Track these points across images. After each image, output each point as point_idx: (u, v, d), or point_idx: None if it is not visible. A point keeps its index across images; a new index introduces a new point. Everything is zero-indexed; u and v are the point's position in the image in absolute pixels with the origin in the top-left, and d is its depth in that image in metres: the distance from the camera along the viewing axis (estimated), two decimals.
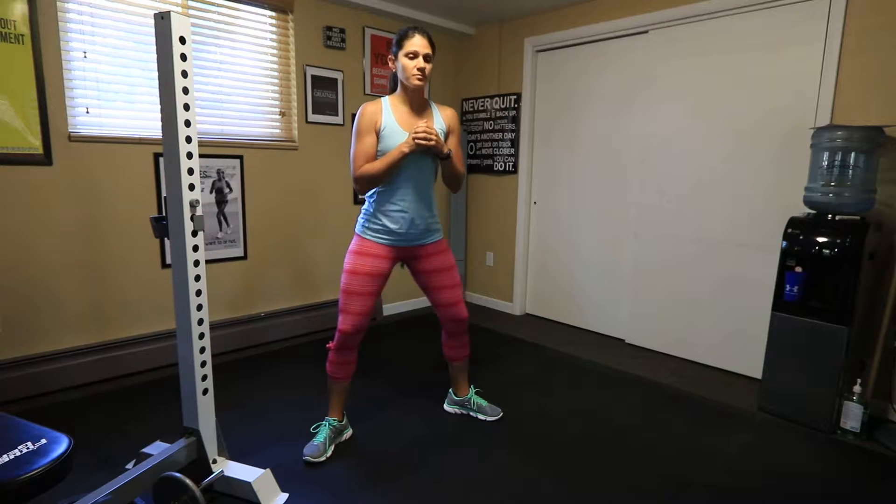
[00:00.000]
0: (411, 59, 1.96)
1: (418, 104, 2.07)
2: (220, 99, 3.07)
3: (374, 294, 2.09)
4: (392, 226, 2.08)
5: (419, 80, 1.98)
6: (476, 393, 2.50)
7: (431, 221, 2.17)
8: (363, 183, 1.98)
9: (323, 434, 2.11)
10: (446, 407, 2.52)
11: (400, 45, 1.98)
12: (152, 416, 2.38)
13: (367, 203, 2.12)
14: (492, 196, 4.24)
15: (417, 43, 1.96)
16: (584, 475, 2.00)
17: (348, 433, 2.25)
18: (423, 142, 1.89)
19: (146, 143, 2.80)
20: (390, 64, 2.06)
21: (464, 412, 2.48)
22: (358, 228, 2.14)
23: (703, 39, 2.99)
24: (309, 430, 2.27)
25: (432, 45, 2.00)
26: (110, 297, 2.78)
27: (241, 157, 3.15)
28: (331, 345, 2.12)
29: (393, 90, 2.13)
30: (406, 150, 1.92)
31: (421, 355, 3.22)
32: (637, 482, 1.97)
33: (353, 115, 3.67)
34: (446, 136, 2.12)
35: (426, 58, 1.98)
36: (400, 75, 2.02)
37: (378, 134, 2.00)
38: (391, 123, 2.00)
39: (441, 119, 2.12)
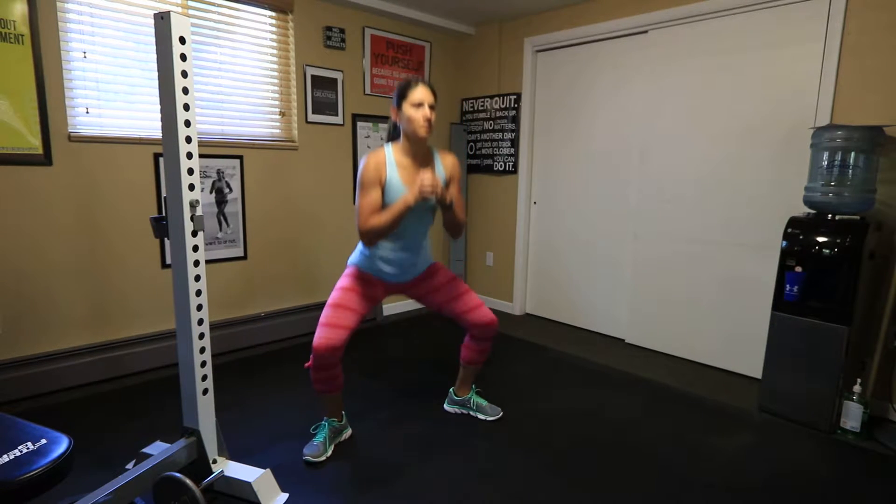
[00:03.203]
0: (418, 108, 1.98)
1: (422, 154, 2.10)
2: (220, 99, 3.07)
3: (360, 313, 2.09)
4: (387, 268, 2.15)
5: (426, 130, 2.00)
6: (476, 392, 2.50)
7: (425, 261, 2.24)
8: (371, 236, 1.99)
9: (322, 434, 2.12)
10: (446, 406, 2.52)
11: (403, 96, 2.00)
12: (152, 416, 2.38)
13: (362, 245, 2.14)
14: (492, 196, 4.24)
15: (422, 93, 1.98)
16: (583, 475, 2.00)
17: (347, 433, 2.25)
18: (430, 194, 1.91)
19: (146, 143, 2.80)
20: (393, 115, 2.07)
21: (464, 412, 2.48)
22: (352, 261, 2.19)
23: (703, 39, 2.99)
24: (309, 430, 2.28)
25: (435, 94, 2.03)
26: (110, 297, 2.78)
27: (241, 157, 3.15)
28: (309, 364, 2.06)
29: (392, 138, 2.15)
30: (411, 201, 1.93)
31: (420, 355, 3.22)
32: (637, 482, 1.97)
33: (353, 115, 3.67)
34: (447, 184, 2.16)
35: (431, 107, 2.00)
36: (404, 127, 2.03)
37: (382, 187, 2.03)
38: (395, 178, 2.03)
39: (442, 168, 2.16)
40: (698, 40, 3.01)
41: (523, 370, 3.02)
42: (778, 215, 2.78)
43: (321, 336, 1.98)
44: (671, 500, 1.87)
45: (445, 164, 2.16)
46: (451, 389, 2.52)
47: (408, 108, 1.98)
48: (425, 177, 1.89)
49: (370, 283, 2.16)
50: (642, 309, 3.42)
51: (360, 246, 2.19)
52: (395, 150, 2.07)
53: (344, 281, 2.14)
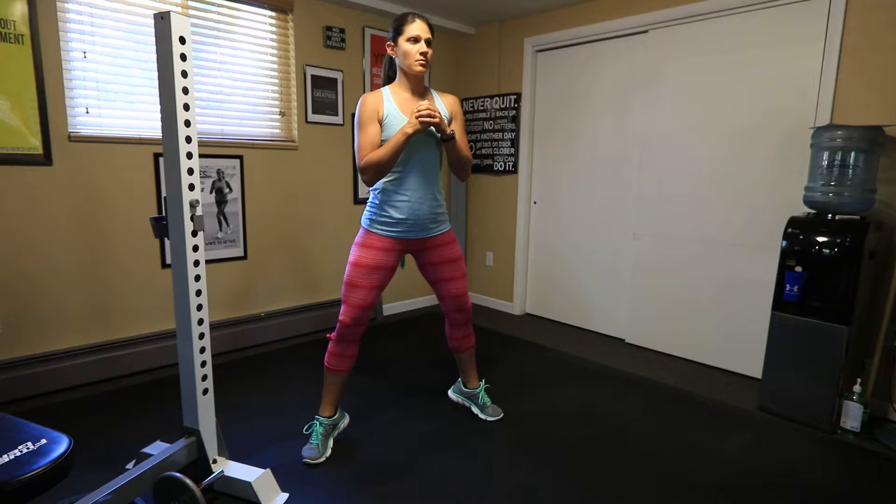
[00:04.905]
0: (413, 43, 1.93)
1: (419, 91, 2.05)
2: (220, 99, 3.07)
3: (377, 287, 2.07)
4: (399, 216, 2.04)
5: (422, 65, 1.95)
6: (485, 389, 2.48)
7: (439, 211, 2.14)
8: (370, 172, 1.91)
9: (316, 435, 2.10)
10: (450, 394, 2.51)
11: (400, 31, 1.94)
12: (152, 416, 2.38)
13: (372, 195, 2.08)
14: (492, 196, 4.24)
15: (419, 28, 1.93)
16: (583, 475, 2.00)
17: (345, 422, 2.22)
18: (428, 119, 1.84)
19: (146, 143, 2.80)
20: (389, 50, 2.02)
21: (466, 404, 2.47)
22: (364, 221, 2.11)
23: (703, 39, 2.99)
24: None
25: (432, 30, 1.98)
26: (110, 297, 2.78)
27: (241, 157, 3.15)
28: (331, 335, 2.12)
29: (387, 81, 2.10)
30: (410, 130, 1.86)
31: (421, 355, 3.22)
32: (637, 482, 1.97)
33: (353, 115, 3.67)
34: (449, 121, 2.10)
35: (427, 42, 1.95)
36: (400, 62, 1.98)
37: (381, 123, 1.97)
38: (393, 111, 1.97)
39: (443, 105, 2.10)
40: (698, 40, 3.01)
41: (523, 370, 3.02)
42: (778, 215, 2.78)
43: (345, 312, 2.05)
44: (671, 499, 1.87)
45: (446, 102, 2.11)
46: (459, 379, 2.50)
47: (403, 43, 1.94)
48: (422, 103, 1.85)
49: (380, 251, 2.06)
50: (642, 309, 3.42)
51: (370, 197, 2.10)
52: (393, 88, 2.03)
53: (354, 254, 2.07)
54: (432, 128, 1.92)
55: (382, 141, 1.97)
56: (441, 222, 2.16)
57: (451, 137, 1.98)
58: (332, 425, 2.15)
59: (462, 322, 2.33)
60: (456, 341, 2.38)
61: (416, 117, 1.84)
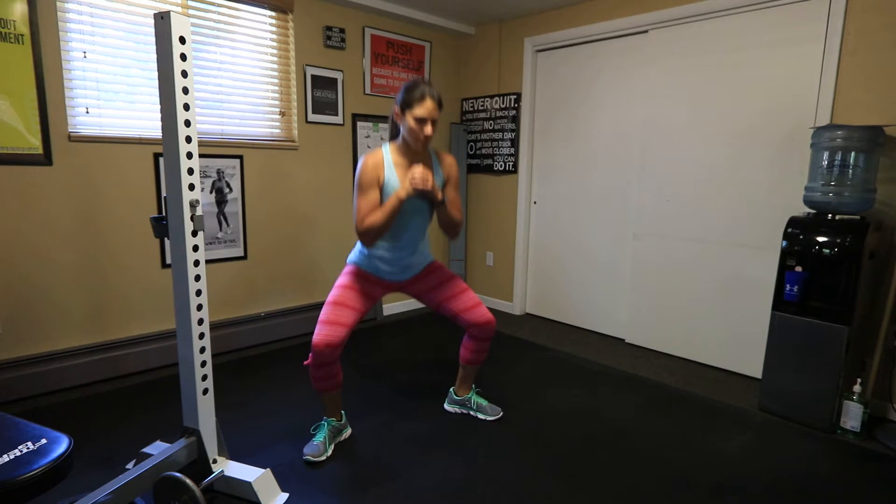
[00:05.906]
0: (419, 123, 1.98)
1: (421, 157, 2.11)
2: (220, 99, 3.07)
3: (359, 311, 2.11)
4: (385, 267, 2.16)
5: (423, 146, 2.03)
6: (476, 392, 2.50)
7: (422, 260, 2.24)
8: (369, 236, 1.99)
9: (322, 434, 2.12)
10: (446, 406, 2.52)
11: (409, 105, 1.98)
12: (152, 416, 2.38)
13: (360, 244, 2.16)
14: (492, 196, 4.24)
15: (428, 108, 1.96)
16: (583, 475, 2.00)
17: (347, 432, 2.25)
18: (420, 186, 1.91)
19: (146, 143, 2.80)
20: (395, 115, 2.07)
21: (464, 411, 2.48)
22: (350, 260, 2.21)
23: (703, 39, 2.99)
24: (309, 430, 2.28)
25: (440, 104, 2.02)
26: (110, 297, 2.78)
27: (241, 157, 3.15)
28: (308, 362, 2.07)
29: (393, 135, 2.16)
30: (403, 195, 1.94)
31: (420, 355, 3.22)
32: (637, 482, 1.97)
33: (353, 115, 3.67)
34: (444, 184, 2.16)
35: (433, 122, 2.00)
36: (405, 132, 2.03)
37: (380, 189, 2.03)
38: (393, 179, 2.03)
39: (440, 167, 2.16)
40: (698, 40, 3.01)
41: (523, 370, 3.02)
42: (778, 215, 2.78)
43: (320, 333, 1.99)
44: (671, 500, 1.87)
45: (444, 164, 2.17)
46: (451, 389, 2.52)
47: (410, 119, 1.99)
48: (416, 170, 1.92)
49: (369, 281, 2.18)
50: (642, 309, 3.42)
51: (358, 245, 2.21)
52: (394, 149, 2.08)
53: (343, 279, 2.16)
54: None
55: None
56: (424, 259, 2.26)
57: (442, 203, 2.06)
58: (338, 429, 2.19)
59: (483, 337, 2.29)
60: (469, 353, 2.36)
61: (410, 182, 1.92)
